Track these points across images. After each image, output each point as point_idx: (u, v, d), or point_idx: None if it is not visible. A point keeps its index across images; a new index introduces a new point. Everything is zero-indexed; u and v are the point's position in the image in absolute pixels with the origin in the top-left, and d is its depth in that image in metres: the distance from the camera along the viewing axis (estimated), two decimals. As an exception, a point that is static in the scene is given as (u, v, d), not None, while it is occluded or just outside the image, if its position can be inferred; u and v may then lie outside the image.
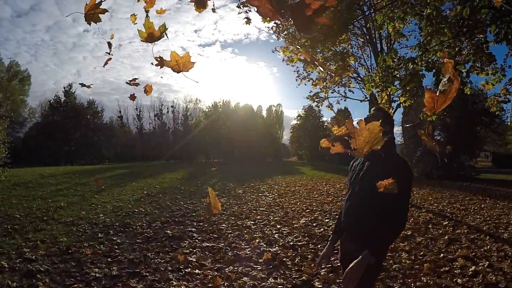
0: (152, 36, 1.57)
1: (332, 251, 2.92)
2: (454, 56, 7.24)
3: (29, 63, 79.82)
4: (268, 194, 13.54)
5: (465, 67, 7.54)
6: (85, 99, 52.06)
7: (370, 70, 16.95)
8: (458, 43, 7.27)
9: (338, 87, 17.04)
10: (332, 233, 2.97)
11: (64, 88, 46.79)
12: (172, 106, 48.83)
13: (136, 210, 9.55)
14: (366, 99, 17.37)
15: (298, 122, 50.56)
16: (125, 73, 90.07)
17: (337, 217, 3.01)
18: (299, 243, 6.67)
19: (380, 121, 2.62)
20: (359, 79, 17.53)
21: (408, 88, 7.30)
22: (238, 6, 7.94)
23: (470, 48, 7.42)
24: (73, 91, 47.32)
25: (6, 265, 5.20)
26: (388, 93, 7.58)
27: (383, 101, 7.67)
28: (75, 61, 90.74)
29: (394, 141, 2.74)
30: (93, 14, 1.75)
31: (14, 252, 5.81)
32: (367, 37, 17.00)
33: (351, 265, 2.31)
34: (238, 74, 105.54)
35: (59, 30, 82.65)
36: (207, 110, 48.09)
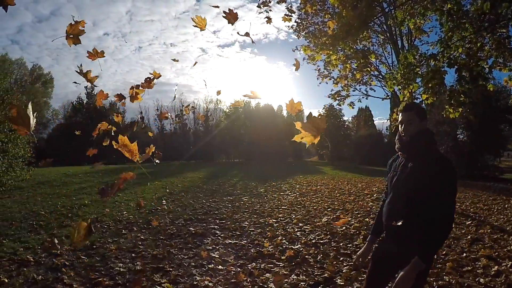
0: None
1: (370, 251, 2.87)
2: (476, 52, 7.14)
3: (51, 66, 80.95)
4: (289, 193, 13.56)
5: (487, 63, 7.42)
6: (106, 101, 52.64)
7: (391, 67, 16.83)
8: (480, 39, 7.15)
9: (360, 85, 17.00)
10: (370, 234, 2.93)
11: (86, 89, 47.49)
12: (192, 107, 48.84)
13: (159, 208, 9.70)
14: (388, 97, 17.21)
15: (319, 121, 50.39)
16: (146, 75, 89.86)
17: (376, 219, 2.92)
18: (321, 241, 6.68)
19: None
20: (380, 77, 17.38)
21: (430, 85, 7.21)
22: (259, 6, 7.94)
23: (492, 43, 7.29)
24: (95, 93, 47.98)
25: (32, 259, 5.37)
26: (410, 91, 7.51)
27: (405, 98, 7.60)
28: (96, 64, 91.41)
29: (434, 137, 2.57)
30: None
31: (39, 247, 5.98)
32: (388, 34, 16.84)
33: (401, 273, 2.25)
34: (258, 74, 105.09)
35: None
36: (227, 110, 48.20)
